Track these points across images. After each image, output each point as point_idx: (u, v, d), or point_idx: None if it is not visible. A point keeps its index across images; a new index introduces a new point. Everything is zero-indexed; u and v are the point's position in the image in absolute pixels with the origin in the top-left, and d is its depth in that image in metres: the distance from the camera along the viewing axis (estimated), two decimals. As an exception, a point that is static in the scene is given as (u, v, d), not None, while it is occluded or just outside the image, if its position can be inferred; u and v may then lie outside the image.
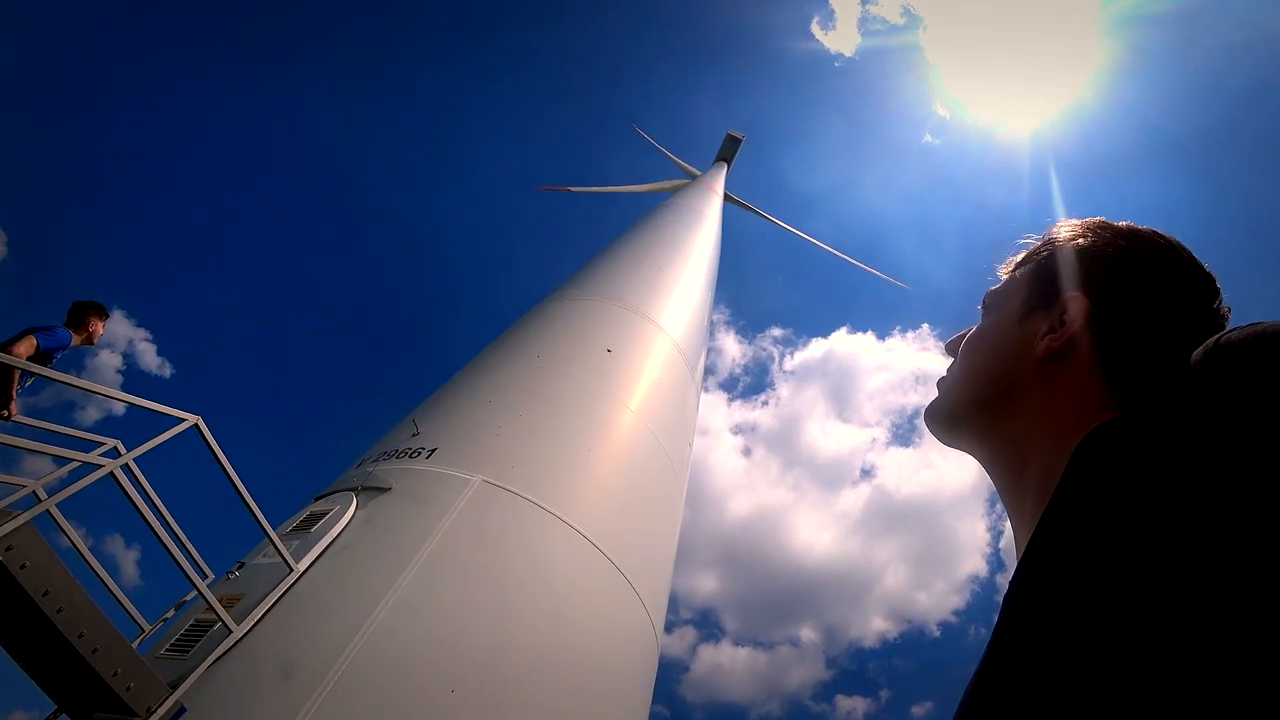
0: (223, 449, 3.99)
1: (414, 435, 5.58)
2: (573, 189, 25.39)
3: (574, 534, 4.98)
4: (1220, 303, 0.70)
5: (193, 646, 3.70)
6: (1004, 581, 0.56)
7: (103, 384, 3.94)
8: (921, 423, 0.86)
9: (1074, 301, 0.71)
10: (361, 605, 3.84)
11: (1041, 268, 0.79)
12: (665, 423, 7.21)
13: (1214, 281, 0.70)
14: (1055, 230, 0.81)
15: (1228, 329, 0.55)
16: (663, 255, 11.62)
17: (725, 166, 26.15)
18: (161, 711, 3.29)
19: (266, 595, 3.91)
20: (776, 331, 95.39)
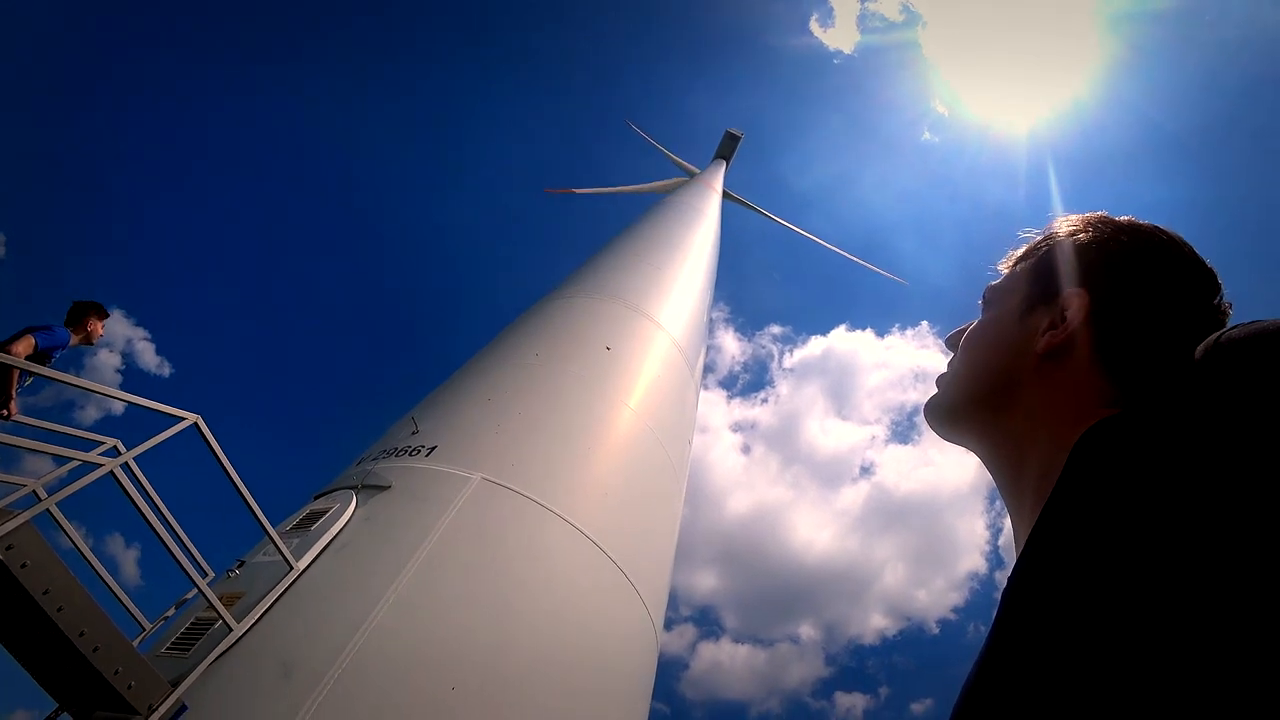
0: (222, 448, 3.99)
1: (414, 433, 5.58)
2: (580, 191, 25.29)
3: (574, 531, 4.98)
4: (1221, 299, 0.69)
5: (193, 645, 3.71)
6: (1003, 578, 0.56)
7: (102, 383, 3.93)
8: (921, 420, 0.85)
9: (1075, 297, 0.70)
10: (362, 603, 3.84)
11: (1042, 263, 0.79)
12: (664, 420, 7.21)
13: (1215, 277, 0.70)
14: (1056, 225, 0.80)
15: (1229, 326, 0.55)
16: (662, 253, 11.60)
17: (724, 164, 26.10)
18: (162, 709, 3.29)
19: (267, 593, 3.91)
20: (775, 329, 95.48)
